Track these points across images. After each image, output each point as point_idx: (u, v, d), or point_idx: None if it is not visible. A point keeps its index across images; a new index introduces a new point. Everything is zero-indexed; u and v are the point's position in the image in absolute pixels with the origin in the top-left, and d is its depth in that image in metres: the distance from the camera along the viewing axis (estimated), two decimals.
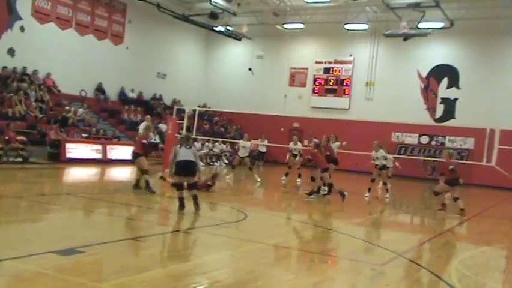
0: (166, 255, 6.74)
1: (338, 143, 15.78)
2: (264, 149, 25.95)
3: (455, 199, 12.59)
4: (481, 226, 12.36)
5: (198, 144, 23.81)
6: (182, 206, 9.60)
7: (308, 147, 15.94)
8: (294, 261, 7.17)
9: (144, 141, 12.62)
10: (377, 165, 15.12)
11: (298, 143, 18.60)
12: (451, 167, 12.66)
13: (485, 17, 23.31)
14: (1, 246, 6.21)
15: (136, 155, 12.43)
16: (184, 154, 9.67)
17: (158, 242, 7.50)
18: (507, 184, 20.23)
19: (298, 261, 7.24)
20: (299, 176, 17.90)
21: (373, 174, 15.18)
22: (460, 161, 17.37)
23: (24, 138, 17.02)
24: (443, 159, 13.71)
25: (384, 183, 15.42)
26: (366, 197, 14.92)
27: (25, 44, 21.03)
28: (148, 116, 19.80)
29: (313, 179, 14.01)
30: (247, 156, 18.05)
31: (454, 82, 26.40)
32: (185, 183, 9.82)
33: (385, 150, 15.82)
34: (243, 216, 9.88)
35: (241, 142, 18.53)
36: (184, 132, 17.56)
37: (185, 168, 9.62)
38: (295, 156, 18.09)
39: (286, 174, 17.84)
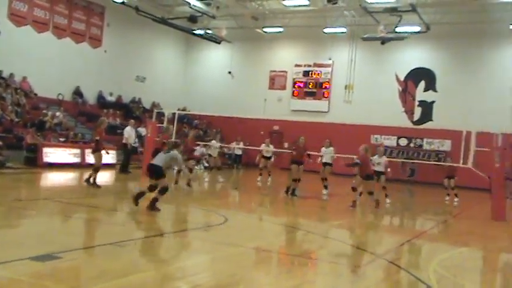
0: (145, 260, 6.67)
1: (331, 148, 15.99)
2: (239, 152, 25.79)
3: (370, 193, 13.07)
4: (459, 227, 12.55)
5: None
6: (136, 199, 9.86)
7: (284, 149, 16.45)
8: (274, 264, 7.17)
9: (97, 137, 13.55)
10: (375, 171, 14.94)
11: (270, 145, 19.26)
12: (356, 160, 12.99)
13: (461, 21, 23.76)
14: None
15: (94, 150, 13.79)
16: (157, 158, 10.28)
17: (138, 246, 7.42)
18: (484, 185, 20.53)
19: (279, 264, 7.25)
20: (269, 174, 18.90)
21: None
22: (437, 163, 17.62)
23: (0, 143, 16.69)
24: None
25: (384, 187, 14.99)
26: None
27: (1, 47, 20.65)
28: (132, 120, 19.80)
29: (294, 180, 14.65)
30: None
31: (431, 85, 26.79)
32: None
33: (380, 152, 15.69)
34: (223, 220, 9.84)
35: (213, 142, 20.41)
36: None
37: (150, 171, 10.22)
38: (267, 158, 18.70)
39: (260, 175, 18.55)
